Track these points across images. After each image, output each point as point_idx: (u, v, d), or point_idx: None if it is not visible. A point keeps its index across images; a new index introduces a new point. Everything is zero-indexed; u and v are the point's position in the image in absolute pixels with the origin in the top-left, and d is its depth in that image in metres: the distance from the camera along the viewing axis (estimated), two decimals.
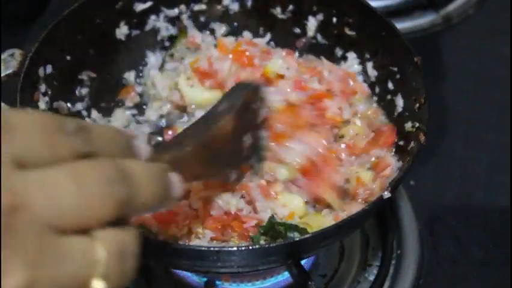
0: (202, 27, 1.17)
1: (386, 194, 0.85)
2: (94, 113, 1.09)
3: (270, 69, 1.05)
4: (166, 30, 1.15)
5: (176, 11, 1.14)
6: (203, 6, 1.15)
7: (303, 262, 0.90)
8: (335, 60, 1.12)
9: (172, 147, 0.77)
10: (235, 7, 1.15)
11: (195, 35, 1.15)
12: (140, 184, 0.54)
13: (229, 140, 0.85)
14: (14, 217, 0.45)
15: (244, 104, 0.89)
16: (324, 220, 0.93)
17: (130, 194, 0.52)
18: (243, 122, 0.88)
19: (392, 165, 0.96)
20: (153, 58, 1.15)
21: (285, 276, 1.02)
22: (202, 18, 1.16)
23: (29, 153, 0.48)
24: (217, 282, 1.02)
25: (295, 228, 0.90)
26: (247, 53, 1.08)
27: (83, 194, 0.49)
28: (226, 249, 0.80)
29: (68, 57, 1.04)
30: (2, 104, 0.93)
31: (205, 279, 1.02)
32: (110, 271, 0.50)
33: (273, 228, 0.90)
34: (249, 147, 0.91)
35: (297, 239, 0.83)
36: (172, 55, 1.16)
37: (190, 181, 0.82)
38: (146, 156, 0.61)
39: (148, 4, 1.11)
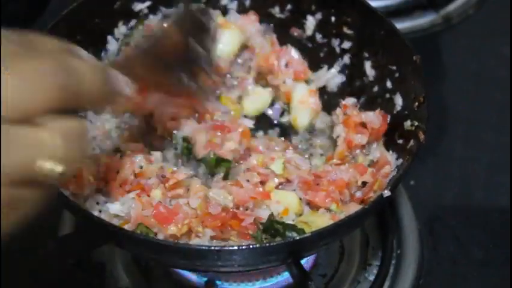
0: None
1: (386, 193, 0.85)
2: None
3: None
4: None
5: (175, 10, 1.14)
6: (202, 6, 1.15)
7: (303, 262, 0.90)
8: (333, 58, 1.13)
9: (122, 58, 0.85)
10: (233, 6, 1.15)
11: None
12: (83, 76, 0.59)
13: (174, 44, 0.89)
14: None
15: (188, 14, 0.94)
16: (322, 219, 0.93)
17: (72, 83, 0.57)
18: (188, 30, 0.92)
19: (391, 163, 0.96)
20: None
21: (285, 276, 1.02)
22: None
23: None
24: (217, 282, 1.02)
25: (292, 227, 0.90)
26: None
27: (26, 85, 0.53)
28: (226, 248, 0.80)
29: None
30: None
31: (205, 278, 1.02)
32: (59, 152, 0.54)
33: (272, 226, 0.91)
34: (205, 59, 0.95)
35: (297, 238, 0.83)
36: (128, 43, 1.15)
37: (143, 85, 0.86)
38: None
39: (147, 4, 1.12)
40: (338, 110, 1.06)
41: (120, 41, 1.11)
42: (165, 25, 0.90)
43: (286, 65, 1.12)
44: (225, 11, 1.16)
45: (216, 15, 1.13)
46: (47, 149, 0.54)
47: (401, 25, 1.40)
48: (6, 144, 0.51)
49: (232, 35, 1.12)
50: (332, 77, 1.13)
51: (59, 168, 0.54)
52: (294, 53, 1.13)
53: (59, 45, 0.62)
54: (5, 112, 0.51)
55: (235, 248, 0.79)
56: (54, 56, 0.58)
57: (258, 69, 1.13)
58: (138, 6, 1.11)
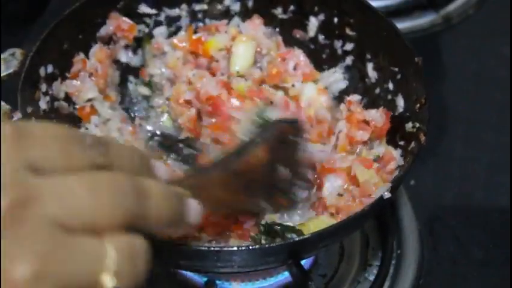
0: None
1: (386, 195, 0.85)
2: None
3: None
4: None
5: (177, 10, 1.14)
6: (204, 6, 1.15)
7: (302, 262, 0.90)
8: (335, 60, 1.13)
9: (198, 174, 0.77)
10: (236, 7, 1.15)
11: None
12: (154, 202, 0.55)
13: (262, 170, 0.84)
14: (23, 209, 0.47)
15: (280, 135, 0.88)
16: (321, 220, 0.93)
17: (142, 210, 0.54)
18: (277, 154, 0.86)
19: (396, 159, 0.96)
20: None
21: (285, 276, 1.02)
22: (201, 17, 1.16)
23: (44, 160, 0.50)
24: (218, 282, 1.02)
25: (292, 229, 0.90)
26: None
27: (94, 200, 0.50)
28: (226, 249, 0.80)
29: (70, 57, 1.04)
30: (3, 103, 0.93)
31: (205, 278, 1.02)
32: (120, 270, 0.51)
33: (270, 228, 0.91)
34: (286, 180, 0.89)
35: (297, 239, 0.83)
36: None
37: (216, 209, 0.82)
38: (165, 177, 0.63)
39: (150, 3, 1.12)
40: (342, 106, 1.06)
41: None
42: (254, 150, 0.83)
43: (295, 68, 1.12)
44: (227, 13, 1.16)
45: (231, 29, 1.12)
46: (111, 266, 0.51)
47: (401, 25, 1.39)
48: (63, 255, 0.48)
49: (247, 48, 1.11)
50: (335, 80, 1.13)
51: (114, 282, 0.51)
52: (301, 55, 1.12)
53: (137, 156, 0.59)
54: (66, 220, 0.49)
55: (235, 248, 0.79)
56: (131, 170, 0.56)
57: (267, 72, 1.12)
58: (142, 9, 1.11)
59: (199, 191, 0.65)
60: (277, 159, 0.86)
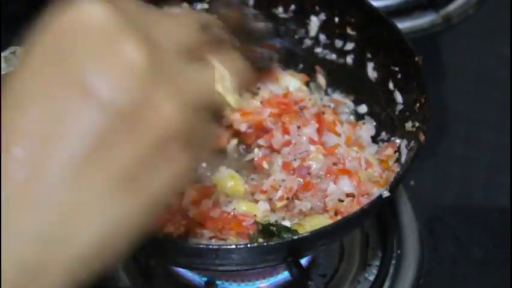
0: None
1: (385, 194, 0.85)
2: None
3: None
4: None
5: (178, 10, 1.14)
6: (205, 6, 1.15)
7: (302, 262, 0.90)
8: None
9: None
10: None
11: None
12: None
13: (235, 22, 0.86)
14: (152, 50, 0.49)
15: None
16: (318, 219, 0.93)
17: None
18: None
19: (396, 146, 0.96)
20: None
21: (284, 276, 1.02)
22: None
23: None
24: (217, 282, 1.02)
25: (287, 229, 0.90)
26: None
27: (181, 26, 0.55)
28: (225, 247, 0.80)
29: None
30: None
31: (205, 278, 1.02)
32: (233, 84, 0.58)
33: (266, 229, 0.91)
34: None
35: (295, 237, 0.83)
36: None
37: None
38: None
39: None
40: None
41: None
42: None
43: None
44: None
45: None
46: (221, 78, 0.56)
47: (401, 25, 1.38)
48: (184, 80, 0.51)
49: None
50: None
51: (232, 99, 0.56)
52: None
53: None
54: (181, 45, 0.53)
55: (233, 246, 0.79)
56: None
57: None
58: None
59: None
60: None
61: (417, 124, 0.95)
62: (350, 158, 0.98)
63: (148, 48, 0.48)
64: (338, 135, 1.02)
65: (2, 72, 0.96)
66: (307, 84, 1.15)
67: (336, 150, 0.99)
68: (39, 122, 0.46)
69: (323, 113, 1.04)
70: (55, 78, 0.47)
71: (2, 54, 0.97)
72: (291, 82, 1.12)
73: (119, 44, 0.47)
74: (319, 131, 1.01)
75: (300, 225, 0.92)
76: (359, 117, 1.11)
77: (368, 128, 1.07)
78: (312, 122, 1.01)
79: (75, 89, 0.46)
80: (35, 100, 0.47)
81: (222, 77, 0.56)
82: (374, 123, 1.08)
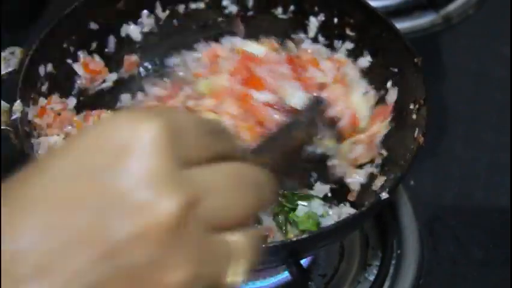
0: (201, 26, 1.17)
1: (384, 195, 0.85)
2: None
3: None
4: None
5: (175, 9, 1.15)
6: (201, 5, 1.15)
7: (302, 262, 0.90)
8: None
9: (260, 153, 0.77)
10: (233, 9, 1.15)
11: None
12: (266, 183, 0.53)
13: (298, 151, 0.86)
14: (187, 213, 0.43)
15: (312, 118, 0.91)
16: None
17: (262, 192, 0.52)
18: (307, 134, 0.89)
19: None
20: None
21: (284, 276, 1.02)
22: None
23: (193, 152, 0.46)
24: None
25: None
26: None
27: (240, 195, 0.49)
28: None
29: (69, 56, 1.04)
30: (3, 103, 0.93)
31: None
32: (246, 262, 0.50)
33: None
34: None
35: (295, 239, 0.83)
36: None
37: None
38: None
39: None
40: None
41: None
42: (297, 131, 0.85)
43: None
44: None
45: None
46: (238, 258, 0.49)
47: (401, 25, 1.39)
48: (203, 253, 0.46)
49: None
50: None
51: (242, 277, 0.49)
52: None
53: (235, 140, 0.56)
54: (223, 219, 0.47)
55: None
56: (245, 161, 0.52)
57: None
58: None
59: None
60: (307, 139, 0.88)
61: (416, 125, 0.95)
62: None
63: (183, 212, 0.43)
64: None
65: (2, 73, 0.96)
66: None
67: None
68: (38, 246, 0.42)
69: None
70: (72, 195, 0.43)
71: (2, 55, 0.97)
72: (253, 48, 1.10)
73: (157, 194, 0.42)
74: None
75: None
76: None
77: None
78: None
79: (86, 219, 0.42)
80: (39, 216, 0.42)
81: (237, 260, 0.50)
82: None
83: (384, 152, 0.99)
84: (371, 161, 1.00)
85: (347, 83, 1.04)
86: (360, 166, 1.00)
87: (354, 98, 1.02)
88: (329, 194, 1.00)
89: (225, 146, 0.51)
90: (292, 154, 0.83)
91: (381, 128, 1.00)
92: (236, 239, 0.49)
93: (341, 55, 1.10)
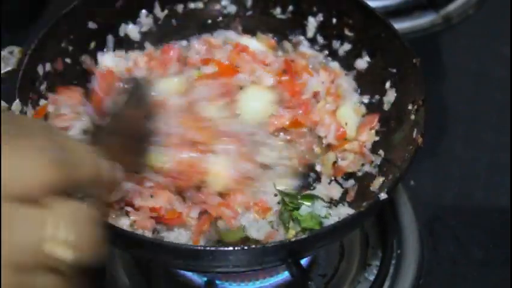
0: (200, 26, 1.17)
1: (383, 196, 0.85)
2: None
3: None
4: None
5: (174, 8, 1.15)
6: (200, 5, 1.15)
7: (302, 262, 0.90)
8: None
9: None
10: (232, 10, 1.16)
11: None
12: (78, 153, 0.57)
13: (135, 122, 0.86)
14: None
15: (137, 91, 0.89)
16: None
17: (69, 160, 0.55)
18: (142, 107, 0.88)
19: None
20: None
21: (285, 276, 1.02)
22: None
23: None
24: (217, 282, 1.02)
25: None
26: None
27: (23, 161, 0.52)
28: (221, 249, 0.80)
29: (67, 55, 1.04)
30: (2, 102, 0.93)
31: (205, 278, 1.02)
32: (69, 237, 0.52)
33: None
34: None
35: (293, 239, 0.83)
36: None
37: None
38: None
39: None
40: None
41: None
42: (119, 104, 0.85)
43: None
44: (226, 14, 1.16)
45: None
46: (53, 231, 0.51)
47: (401, 25, 1.40)
48: (7, 224, 0.49)
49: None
50: None
51: (69, 253, 0.51)
52: None
53: (48, 125, 0.62)
54: (4, 190, 0.50)
55: (230, 248, 0.79)
56: (47, 134, 0.58)
57: None
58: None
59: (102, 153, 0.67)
60: (137, 116, 0.87)
61: (415, 126, 0.95)
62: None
63: None
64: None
65: (2, 72, 0.96)
66: None
67: None
68: None
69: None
70: None
71: (1, 54, 0.97)
72: (250, 43, 1.11)
73: None
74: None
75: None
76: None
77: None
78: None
79: None
80: None
81: (55, 230, 0.52)
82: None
83: (382, 153, 0.99)
84: (370, 162, 1.00)
85: (340, 94, 1.05)
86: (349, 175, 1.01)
87: (345, 110, 1.04)
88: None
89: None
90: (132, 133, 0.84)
91: (369, 136, 1.01)
92: (47, 210, 0.52)
93: (336, 65, 1.11)
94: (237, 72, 1.02)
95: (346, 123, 1.02)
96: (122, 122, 0.82)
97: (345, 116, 1.03)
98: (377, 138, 1.02)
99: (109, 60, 1.09)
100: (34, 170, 0.52)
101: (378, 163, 0.99)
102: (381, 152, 0.99)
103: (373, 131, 1.02)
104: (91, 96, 1.03)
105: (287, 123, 1.00)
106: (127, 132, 0.83)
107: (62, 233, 0.51)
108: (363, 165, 1.00)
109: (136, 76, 1.01)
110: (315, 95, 1.04)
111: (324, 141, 1.02)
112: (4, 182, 0.50)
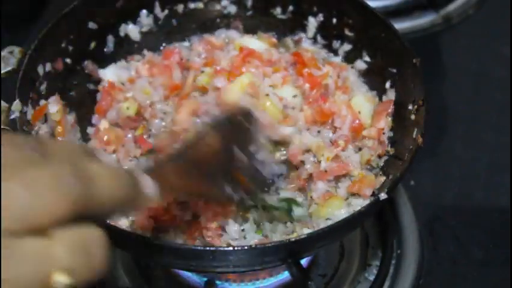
0: (200, 26, 1.17)
1: (383, 196, 0.85)
2: None
3: None
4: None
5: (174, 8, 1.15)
6: (200, 5, 1.15)
7: (302, 262, 0.90)
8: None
9: (155, 166, 0.76)
10: (232, 10, 1.16)
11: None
12: (101, 182, 0.55)
13: (217, 157, 0.84)
14: None
15: (229, 119, 0.89)
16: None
17: (89, 192, 0.53)
18: (229, 136, 0.87)
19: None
20: None
21: (285, 276, 1.02)
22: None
23: None
24: (217, 282, 1.02)
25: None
26: None
27: (36, 197, 0.49)
28: (221, 249, 0.80)
29: (67, 55, 1.04)
30: (2, 102, 0.93)
31: (205, 279, 1.02)
32: (73, 265, 0.51)
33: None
34: (244, 164, 0.89)
35: (293, 239, 0.83)
36: None
37: (182, 197, 0.86)
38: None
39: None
40: None
41: None
42: (202, 130, 0.84)
43: None
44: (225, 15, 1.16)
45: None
46: (61, 263, 0.50)
47: (401, 25, 1.40)
48: (10, 259, 0.48)
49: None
50: None
51: (66, 280, 0.51)
52: None
53: (77, 148, 0.58)
54: (9, 224, 0.48)
55: (230, 248, 0.79)
56: (71, 161, 0.54)
57: None
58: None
59: (157, 179, 0.66)
60: (230, 144, 0.86)
61: (415, 126, 0.95)
62: None
63: None
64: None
65: (2, 71, 0.96)
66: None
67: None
68: None
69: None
70: None
71: (2, 54, 0.97)
72: (252, 43, 1.11)
73: None
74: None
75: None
76: None
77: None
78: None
79: None
80: None
81: (60, 261, 0.51)
82: None
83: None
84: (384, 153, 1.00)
85: (349, 86, 1.05)
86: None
87: (357, 99, 1.03)
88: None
89: (37, 154, 0.53)
90: (205, 162, 0.82)
91: (386, 122, 1.00)
92: (49, 241, 0.50)
93: (339, 59, 1.11)
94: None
95: (359, 112, 1.01)
96: (195, 151, 0.81)
97: (358, 105, 1.03)
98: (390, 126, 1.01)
99: (110, 74, 1.09)
100: (43, 204, 0.50)
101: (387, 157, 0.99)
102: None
103: (389, 118, 1.01)
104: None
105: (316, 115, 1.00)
106: (199, 161, 0.81)
107: (68, 262, 0.51)
108: (379, 157, 1.00)
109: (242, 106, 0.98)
110: (325, 88, 1.03)
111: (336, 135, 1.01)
112: (7, 216, 0.48)
